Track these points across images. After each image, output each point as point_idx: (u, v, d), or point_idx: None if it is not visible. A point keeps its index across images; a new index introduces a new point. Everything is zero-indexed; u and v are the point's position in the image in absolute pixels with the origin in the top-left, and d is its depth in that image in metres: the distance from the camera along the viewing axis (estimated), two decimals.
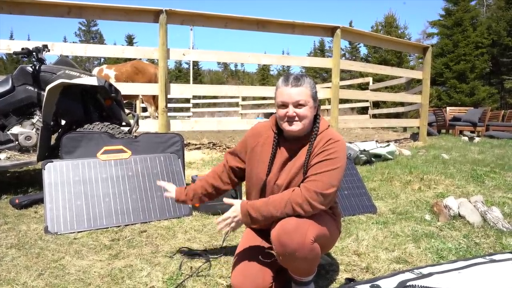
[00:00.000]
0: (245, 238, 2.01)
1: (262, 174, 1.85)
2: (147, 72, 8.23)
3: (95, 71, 8.57)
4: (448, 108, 12.35)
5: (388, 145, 5.43)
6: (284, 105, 1.75)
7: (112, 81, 8.07)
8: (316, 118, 1.82)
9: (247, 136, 2.00)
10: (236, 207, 1.75)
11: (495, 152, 6.40)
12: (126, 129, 3.85)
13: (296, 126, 1.75)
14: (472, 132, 10.38)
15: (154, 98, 8.34)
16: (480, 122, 10.65)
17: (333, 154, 1.71)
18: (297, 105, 1.73)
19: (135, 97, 9.43)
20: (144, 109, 13.42)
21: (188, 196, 2.11)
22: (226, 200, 1.81)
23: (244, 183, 2.04)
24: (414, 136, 8.11)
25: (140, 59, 8.52)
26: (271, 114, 2.14)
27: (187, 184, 3.31)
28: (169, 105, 6.26)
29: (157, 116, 8.05)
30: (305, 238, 1.58)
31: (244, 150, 1.98)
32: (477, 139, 8.43)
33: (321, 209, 1.67)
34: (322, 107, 14.05)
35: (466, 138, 8.63)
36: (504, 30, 24.35)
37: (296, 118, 1.73)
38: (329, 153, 1.71)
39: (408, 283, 1.42)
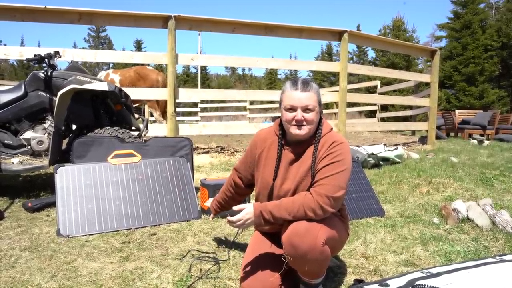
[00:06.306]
0: (254, 240, 2.04)
1: (269, 178, 1.89)
2: (149, 78, 8.26)
3: (101, 74, 8.65)
4: (457, 111, 12.26)
5: (396, 149, 5.42)
6: (293, 109, 1.78)
7: (117, 85, 8.12)
8: (319, 121, 1.85)
9: (252, 143, 2.04)
10: (249, 209, 1.75)
11: (504, 155, 6.34)
12: (136, 133, 3.90)
13: (303, 131, 1.78)
14: (481, 135, 10.27)
15: (158, 103, 8.39)
16: (490, 125, 10.55)
17: (338, 156, 1.74)
18: (305, 109, 1.76)
19: (140, 101, 9.49)
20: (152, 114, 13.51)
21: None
22: (236, 207, 1.79)
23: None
24: (423, 140, 8.07)
25: (143, 64, 8.56)
26: (278, 118, 2.19)
27: (196, 188, 3.35)
28: (177, 109, 6.31)
29: (162, 121, 8.12)
30: (316, 241, 1.60)
31: (252, 156, 2.03)
32: (486, 143, 8.35)
33: (332, 212, 1.70)
34: (330, 110, 14.04)
35: (475, 142, 8.55)
36: None
37: (304, 123, 1.77)
38: (334, 155, 1.74)
39: (417, 282, 1.43)
